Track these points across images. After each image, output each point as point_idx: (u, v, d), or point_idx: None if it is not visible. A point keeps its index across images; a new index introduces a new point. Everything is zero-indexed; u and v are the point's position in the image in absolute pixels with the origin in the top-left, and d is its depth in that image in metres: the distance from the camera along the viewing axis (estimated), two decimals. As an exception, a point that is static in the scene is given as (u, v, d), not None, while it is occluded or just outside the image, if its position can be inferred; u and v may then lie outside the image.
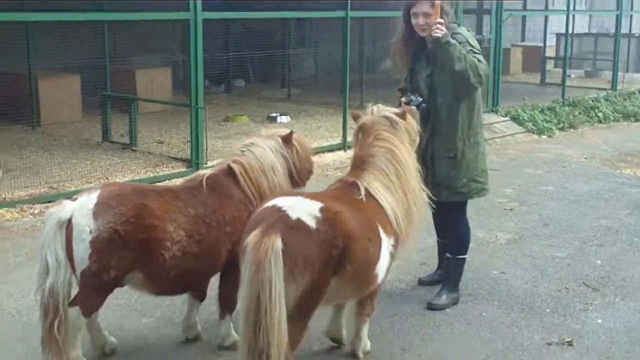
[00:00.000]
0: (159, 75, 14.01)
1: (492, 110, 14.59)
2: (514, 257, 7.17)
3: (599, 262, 7.17)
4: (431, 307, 5.93)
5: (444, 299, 5.99)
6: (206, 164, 9.78)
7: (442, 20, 5.38)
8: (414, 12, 5.64)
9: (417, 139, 5.07)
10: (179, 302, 5.57)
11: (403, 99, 5.74)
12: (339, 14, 11.79)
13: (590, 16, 26.56)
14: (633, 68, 22.23)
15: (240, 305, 4.02)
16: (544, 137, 13.97)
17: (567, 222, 8.42)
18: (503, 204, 9.05)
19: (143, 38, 13.93)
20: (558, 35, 21.94)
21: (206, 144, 9.90)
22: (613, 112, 16.16)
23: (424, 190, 5.02)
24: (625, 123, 16.03)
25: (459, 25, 5.88)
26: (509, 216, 8.59)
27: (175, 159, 10.17)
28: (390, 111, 4.93)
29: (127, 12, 10.41)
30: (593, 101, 16.53)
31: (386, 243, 4.58)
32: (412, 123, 4.98)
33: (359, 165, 4.80)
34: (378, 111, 4.92)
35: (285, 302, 3.95)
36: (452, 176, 5.77)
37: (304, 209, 4.16)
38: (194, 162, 9.76)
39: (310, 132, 12.17)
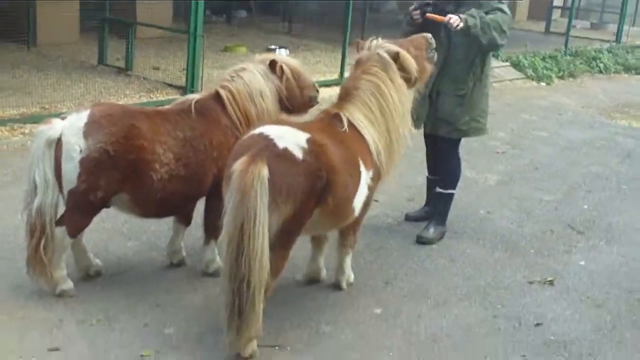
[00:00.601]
0: (160, 2, 13.79)
1: (492, 55, 14.43)
2: (501, 198, 7.19)
3: (585, 206, 7.20)
4: (420, 240, 6.02)
5: (431, 232, 6.07)
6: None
7: (450, 16, 5.42)
8: None
9: (415, 77, 4.95)
10: (165, 228, 5.58)
11: (411, 8, 5.78)
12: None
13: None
14: (639, 23, 22.02)
15: (223, 232, 4.01)
16: (543, 84, 13.90)
17: (557, 167, 8.44)
18: (495, 146, 9.05)
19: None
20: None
21: (202, 72, 9.81)
22: (614, 64, 16.08)
23: (409, 129, 4.97)
24: (626, 75, 15.97)
25: None
26: (500, 159, 8.60)
27: (170, 85, 10.08)
28: (385, 48, 4.82)
29: None
30: (595, 52, 16.42)
31: (365, 176, 4.58)
32: (408, 61, 4.88)
33: (344, 96, 4.77)
34: (374, 46, 4.84)
35: (268, 230, 3.95)
36: (456, 113, 5.87)
37: (291, 138, 4.15)
38: (188, 89, 9.65)
39: (309, 67, 12.01)
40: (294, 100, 5.05)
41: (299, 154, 4.09)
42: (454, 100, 5.87)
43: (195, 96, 4.93)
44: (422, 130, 6.06)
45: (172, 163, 4.57)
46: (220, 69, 11.31)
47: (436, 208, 6.21)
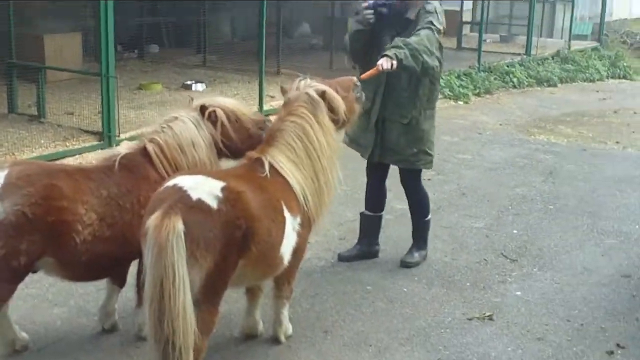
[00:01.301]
0: (69, 41, 13.42)
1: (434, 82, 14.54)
2: (432, 229, 7.06)
3: (515, 231, 7.23)
4: (405, 265, 6.21)
5: (416, 256, 6.27)
6: (118, 136, 9.46)
7: (380, 62, 5.33)
8: None
9: (343, 119, 4.86)
10: (93, 290, 5.36)
11: (364, 4, 5.67)
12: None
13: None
14: (546, 33, 22.55)
15: (144, 291, 3.85)
16: (461, 102, 14.05)
17: (484, 191, 8.48)
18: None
19: (51, 1, 13.36)
20: (474, -1, 22.08)
21: (118, 114, 9.56)
22: (527, 78, 16.41)
23: (337, 171, 4.84)
24: (539, 88, 16.31)
25: None
26: (428, 186, 8.42)
27: (87, 131, 9.76)
28: (313, 88, 4.72)
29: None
30: (508, 66, 16.72)
31: (291, 222, 4.44)
32: (337, 102, 4.78)
33: (268, 139, 4.63)
34: (303, 87, 4.74)
35: (190, 286, 3.81)
36: (401, 143, 5.89)
37: (205, 188, 3.99)
38: (105, 134, 9.41)
39: (227, 100, 11.90)
40: (237, 144, 4.78)
41: (213, 204, 3.94)
42: (398, 127, 5.87)
43: (122, 150, 4.70)
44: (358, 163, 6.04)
45: (95, 223, 4.34)
46: (137, 109, 11.13)
47: (416, 235, 6.35)
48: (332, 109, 4.75)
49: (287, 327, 4.98)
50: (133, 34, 15.43)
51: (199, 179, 4.09)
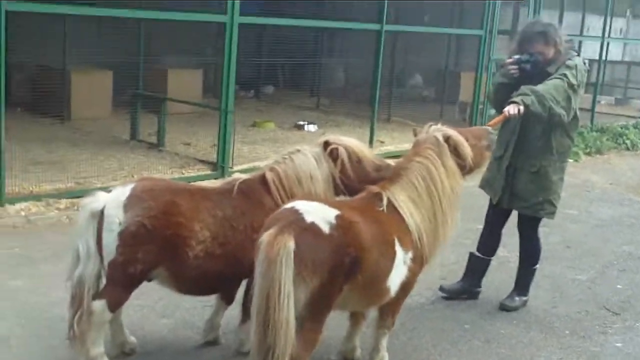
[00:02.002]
0: (191, 77, 14.07)
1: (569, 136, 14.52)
2: (534, 278, 7.12)
3: (619, 286, 7.14)
4: (505, 308, 6.30)
5: (516, 300, 6.36)
6: (232, 168, 9.83)
7: (507, 109, 5.50)
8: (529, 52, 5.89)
9: (470, 165, 4.98)
10: (199, 305, 5.61)
11: (509, 60, 5.91)
12: (374, 26, 11.82)
13: (624, 44, 26.42)
14: (664, 98, 22.08)
15: (252, 303, 4.06)
16: (570, 160, 13.86)
17: (589, 246, 8.40)
18: (526, 224, 9.00)
19: (177, 38, 14.01)
20: (591, 61, 21.83)
21: (233, 148, 9.95)
22: (641, 140, 16.08)
23: (457, 216, 4.95)
24: (653, 152, 15.94)
25: (578, 54, 6.01)
26: (532, 237, 8.55)
27: (201, 161, 10.22)
28: (441, 132, 4.90)
29: (165, 11, 10.46)
30: (622, 128, 16.46)
31: (402, 256, 4.56)
32: (463, 147, 4.92)
33: (392, 177, 4.80)
34: (433, 130, 4.93)
35: (295, 303, 3.99)
36: (529, 190, 6.05)
37: (320, 213, 4.19)
38: (219, 165, 9.81)
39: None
40: (355, 184, 4.89)
41: (325, 229, 4.13)
42: (527, 176, 6.03)
43: (243, 177, 4.99)
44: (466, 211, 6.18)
45: (208, 241, 4.58)
46: (250, 145, 11.53)
47: (520, 280, 6.45)
48: (458, 154, 4.90)
49: (384, 356, 5.08)
50: (250, 74, 15.97)
51: (316, 205, 4.30)
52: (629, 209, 10.38)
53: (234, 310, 5.18)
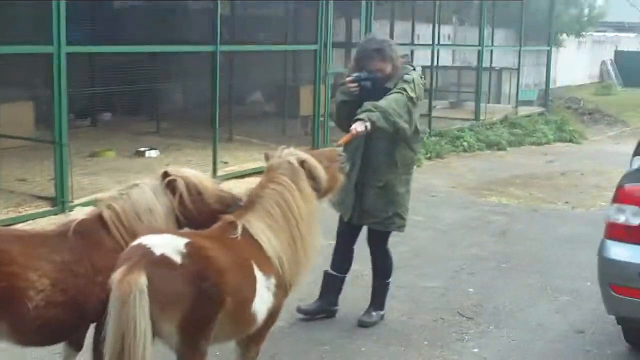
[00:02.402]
0: (21, 109, 13.41)
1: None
2: (389, 290, 7.17)
3: (471, 290, 7.30)
4: (363, 324, 6.28)
5: (374, 315, 6.35)
6: (72, 202, 9.41)
7: (353, 127, 5.55)
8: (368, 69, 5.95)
9: (324, 187, 4.95)
10: (46, 354, 5.27)
11: (348, 78, 5.94)
12: (209, 48, 11.68)
13: (453, 50, 27.47)
14: (494, 99, 23.08)
15: (106, 345, 3.85)
16: (413, 167, 14.20)
17: (437, 252, 8.58)
18: (376, 235, 9.09)
19: (3, 71, 13.36)
20: (423, 67, 22.46)
21: (71, 181, 9.52)
22: (477, 142, 16.73)
23: (317, 239, 4.91)
24: (489, 152, 16.61)
25: (414, 68, 6.09)
26: (383, 248, 8.63)
27: (40, 197, 9.70)
28: (295, 156, 4.83)
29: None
30: (458, 131, 17.05)
31: (263, 281, 4.45)
32: (317, 171, 4.87)
33: (247, 204, 4.71)
34: (285, 155, 4.85)
35: (168, 339, 3.88)
36: (377, 206, 6.09)
37: (169, 244, 4.04)
38: (59, 200, 9.36)
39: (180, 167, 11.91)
40: (195, 217, 4.68)
41: (177, 259, 3.98)
42: (375, 192, 6.07)
43: (78, 217, 4.67)
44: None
45: (48, 289, 4.25)
46: (90, 176, 11.09)
47: (375, 295, 6.44)
48: (312, 178, 4.84)
49: None
50: (84, 102, 15.43)
51: (164, 237, 4.15)
52: (471, 211, 10.70)
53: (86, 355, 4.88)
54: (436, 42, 17.91)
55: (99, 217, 4.57)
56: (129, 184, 4.72)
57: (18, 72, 13.74)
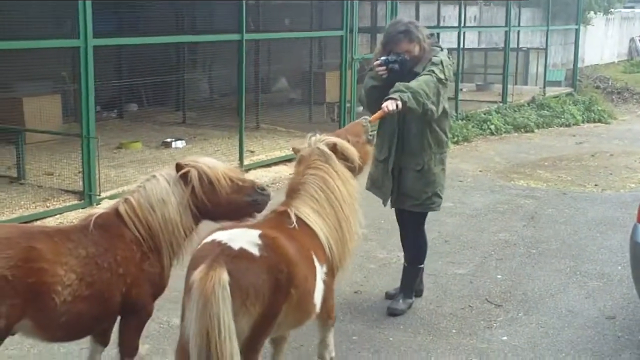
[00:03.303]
0: (48, 103, 13.47)
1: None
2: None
3: (499, 276, 7.24)
4: (392, 312, 6.26)
5: (401, 303, 6.32)
6: (99, 195, 9.45)
7: (384, 105, 5.55)
8: (395, 52, 5.93)
9: (358, 164, 5.01)
10: (76, 349, 5.30)
11: (376, 62, 5.94)
12: (235, 36, 11.66)
13: (479, 32, 27.22)
14: (521, 80, 22.84)
15: (190, 344, 3.86)
16: (441, 151, 14.13)
17: (466, 238, 8.51)
18: (403, 222, 9.05)
19: (30, 65, 13.44)
20: (449, 50, 22.33)
21: (99, 174, 9.57)
22: (504, 124, 16.55)
23: (359, 219, 4.96)
24: (516, 134, 16.44)
25: (441, 49, 6.12)
26: (410, 235, 8.59)
27: (67, 191, 9.75)
28: (324, 141, 4.88)
29: (13, 41, 9.96)
30: (485, 114, 16.89)
31: (320, 271, 4.51)
32: (349, 151, 4.92)
33: (290, 194, 4.78)
34: (314, 143, 4.90)
35: (238, 335, 3.87)
36: (417, 188, 6.14)
37: (244, 238, 4.10)
38: (86, 194, 9.40)
39: (207, 157, 11.92)
40: (208, 207, 4.62)
41: (255, 251, 4.04)
42: (413, 175, 6.13)
43: (98, 211, 4.69)
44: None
45: (75, 284, 4.29)
46: (118, 168, 11.13)
47: (405, 281, 6.44)
48: (346, 158, 4.91)
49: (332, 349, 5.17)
50: (112, 94, 15.50)
51: (236, 231, 4.22)
52: (499, 195, 10.61)
53: (114, 350, 4.89)
54: (462, 24, 17.68)
55: (117, 211, 4.61)
56: (148, 176, 4.73)
57: (44, 66, 13.83)
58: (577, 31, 22.92)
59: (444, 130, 6.22)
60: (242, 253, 4.01)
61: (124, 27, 15.04)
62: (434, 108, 5.78)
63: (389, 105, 5.54)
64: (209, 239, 4.20)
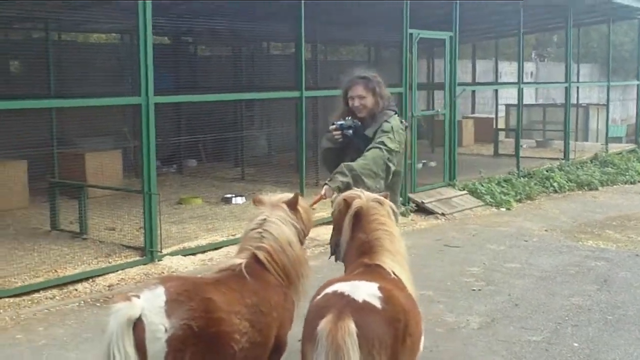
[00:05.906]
0: (109, 159, 13.62)
1: (449, 184, 14.50)
2: (488, 344, 6.86)
3: (576, 344, 6.91)
4: None
5: None
6: (161, 251, 9.38)
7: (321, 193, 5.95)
8: (350, 95, 6.31)
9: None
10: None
11: (332, 126, 6.25)
12: (295, 94, 11.64)
13: (536, 87, 27.00)
14: (581, 137, 22.51)
15: None
16: (503, 209, 13.86)
17: (537, 302, 8.18)
18: (470, 283, 8.79)
19: (92, 121, 13.60)
20: (507, 106, 22.15)
21: (160, 230, 9.51)
22: (567, 182, 16.22)
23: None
24: (580, 192, 16.08)
25: (395, 113, 6.37)
26: (478, 297, 8.32)
27: (128, 247, 9.72)
28: (372, 197, 5.00)
29: (76, 99, 10.06)
30: (547, 171, 16.59)
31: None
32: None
33: (367, 250, 4.80)
34: (366, 197, 5.00)
35: None
36: None
37: (365, 290, 4.19)
38: (147, 250, 9.33)
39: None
40: (305, 235, 5.15)
41: (377, 304, 4.12)
42: None
43: (239, 260, 4.83)
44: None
45: (250, 332, 4.49)
46: (178, 224, 11.07)
47: None
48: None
49: None
50: (171, 149, 15.59)
51: (355, 283, 4.29)
52: (568, 257, 10.26)
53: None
54: (521, 80, 17.49)
55: (255, 258, 4.82)
56: (259, 220, 4.96)
57: (106, 122, 14.01)
58: (638, 87, 22.54)
59: (396, 192, 6.40)
60: (366, 305, 4.09)
61: (184, 83, 15.19)
62: (378, 187, 5.89)
63: (327, 193, 5.86)
64: (329, 289, 4.26)
